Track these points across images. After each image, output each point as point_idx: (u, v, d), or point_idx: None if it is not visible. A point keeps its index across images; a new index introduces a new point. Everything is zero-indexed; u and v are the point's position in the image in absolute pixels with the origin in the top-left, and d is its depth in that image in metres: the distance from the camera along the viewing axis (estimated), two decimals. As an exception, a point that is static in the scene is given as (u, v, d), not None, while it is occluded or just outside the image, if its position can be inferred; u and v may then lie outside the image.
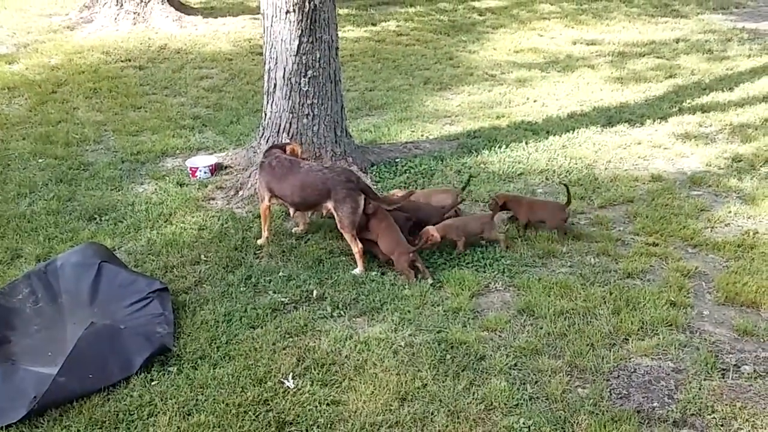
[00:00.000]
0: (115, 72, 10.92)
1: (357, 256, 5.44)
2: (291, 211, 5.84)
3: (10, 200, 6.81)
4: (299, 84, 6.62)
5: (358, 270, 5.45)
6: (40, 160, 7.78)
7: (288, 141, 6.44)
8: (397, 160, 7.37)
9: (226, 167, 7.34)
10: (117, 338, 4.46)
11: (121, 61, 11.48)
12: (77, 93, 10.01)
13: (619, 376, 4.38)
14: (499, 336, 4.80)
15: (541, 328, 4.84)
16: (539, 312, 4.99)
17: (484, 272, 5.53)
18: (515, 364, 4.48)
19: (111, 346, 4.39)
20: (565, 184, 6.24)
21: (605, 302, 5.10)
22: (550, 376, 4.36)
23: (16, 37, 12.92)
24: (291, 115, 6.67)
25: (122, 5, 13.40)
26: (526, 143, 7.92)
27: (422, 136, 8.28)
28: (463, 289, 5.25)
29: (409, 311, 5.01)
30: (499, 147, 7.80)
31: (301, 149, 6.05)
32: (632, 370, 4.44)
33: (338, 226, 5.46)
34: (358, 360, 4.50)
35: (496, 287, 5.38)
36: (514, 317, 4.99)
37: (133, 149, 7.99)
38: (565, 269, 5.59)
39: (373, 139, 8.04)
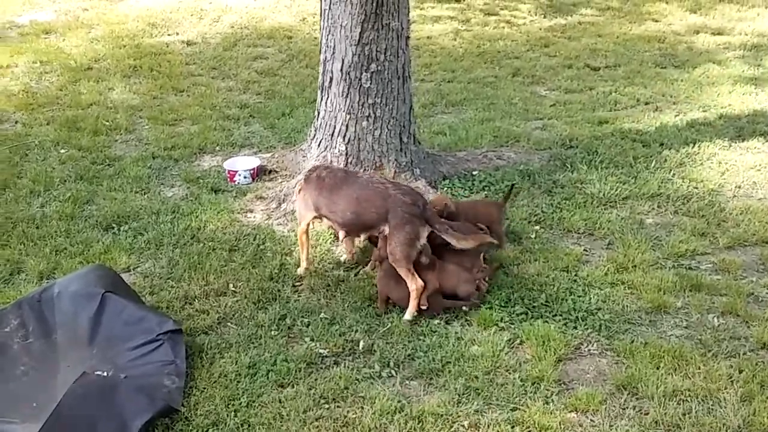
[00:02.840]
0: (159, 47, 10.66)
1: (413, 295, 4.87)
2: (340, 234, 5.30)
3: (21, 199, 6.54)
4: (360, 79, 6.11)
5: (409, 315, 4.91)
6: (62, 151, 7.53)
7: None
8: (474, 173, 6.81)
9: (269, 171, 6.94)
10: (113, 395, 4.04)
11: (168, 35, 11.25)
12: (114, 71, 9.79)
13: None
14: (591, 421, 4.16)
15: (647, 414, 4.18)
16: (644, 390, 4.32)
17: (575, 328, 4.88)
18: (611, 465, 3.84)
19: (105, 405, 3.98)
20: (512, 184, 6.08)
21: (732, 383, 4.38)
22: (656, 486, 3.70)
23: (58, 3, 12.84)
24: (348, 116, 6.18)
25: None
26: (634, 159, 7.19)
27: (507, 142, 7.66)
28: (547, 351, 4.63)
29: (476, 377, 4.44)
30: (600, 162, 7.12)
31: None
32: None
33: (389, 258, 4.92)
34: (407, 443, 3.94)
35: (589, 350, 4.73)
36: (612, 395, 4.34)
37: (167, 142, 7.66)
38: (680, 331, 4.89)
39: (447, 145, 7.47)
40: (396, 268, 4.92)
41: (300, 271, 5.38)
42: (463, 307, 5.00)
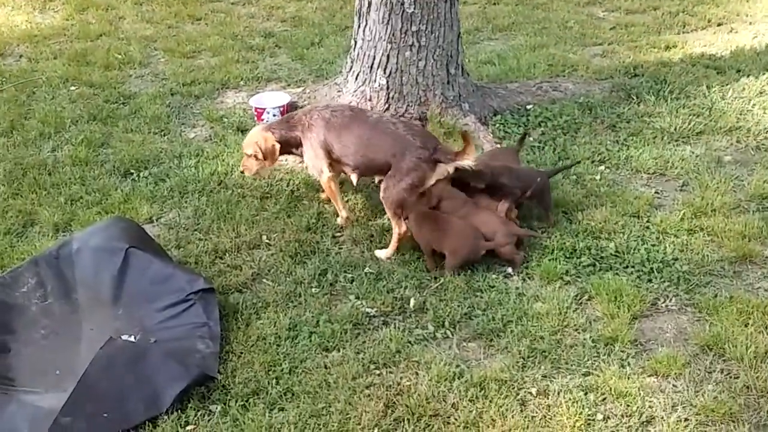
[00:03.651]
0: (174, -32, 10.36)
1: (394, 238, 4.94)
2: (353, 178, 5.15)
3: (30, 142, 6.40)
4: (402, 3, 5.87)
5: (383, 253, 4.95)
6: (72, 88, 7.38)
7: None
8: (528, 107, 6.61)
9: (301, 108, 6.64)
10: (143, 362, 3.92)
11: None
12: (125, -3, 9.56)
13: None
14: (674, 386, 3.99)
15: (736, 378, 4.00)
16: (732, 351, 4.14)
17: (650, 282, 4.69)
18: (698, 436, 3.69)
19: (135, 373, 3.86)
20: (525, 133, 5.79)
21: (833, 342, 4.17)
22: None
23: None
24: (390, 46, 5.96)
25: None
26: (708, 88, 6.91)
27: (563, 72, 7.42)
28: (619, 308, 4.45)
29: (542, 338, 4.27)
30: (669, 92, 6.88)
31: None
32: None
33: (381, 196, 4.92)
34: (470, 413, 3.79)
35: (667, 306, 4.54)
36: (696, 357, 4.16)
37: (186, 77, 7.47)
38: (769, 284, 4.67)
39: (496, 76, 7.24)
40: (385, 206, 4.91)
41: (340, 221, 5.21)
42: (509, 270, 4.81)
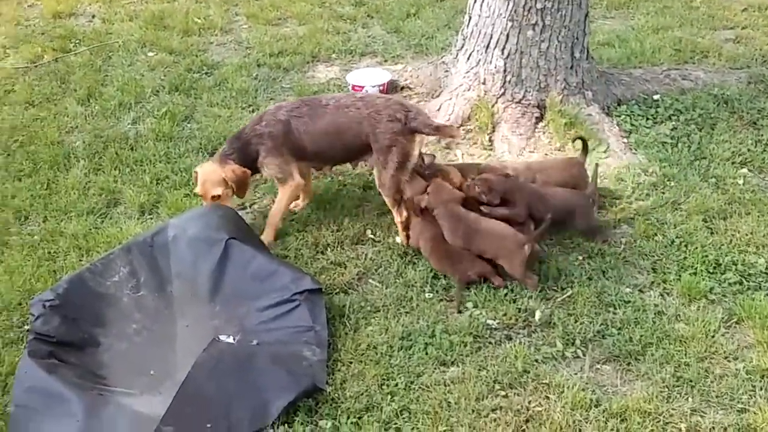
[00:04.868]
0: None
1: (399, 228, 4.93)
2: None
3: (109, 113, 6.38)
4: (527, -24, 5.68)
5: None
6: (150, 54, 7.36)
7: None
8: (655, 97, 6.36)
9: (402, 88, 6.60)
10: (249, 367, 3.85)
11: None
12: (202, -45, 9.45)
13: None
14: None
15: None
16: None
17: (809, 302, 4.44)
18: None
19: (240, 380, 3.78)
20: (581, 138, 5.26)
21: None
22: None
23: None
24: (510, 24, 5.73)
25: None
26: None
27: (692, 58, 7.16)
28: (775, 334, 4.21)
29: (688, 365, 4.07)
30: (820, 85, 6.54)
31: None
32: None
33: (377, 184, 4.88)
34: (610, 449, 3.63)
35: (833, 335, 4.28)
36: None
37: (272, 47, 7.39)
38: None
39: (618, 60, 7.00)
40: (383, 197, 4.87)
41: (265, 238, 4.97)
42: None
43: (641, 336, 4.23)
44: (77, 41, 7.58)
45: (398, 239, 4.95)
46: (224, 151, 4.91)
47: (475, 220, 4.66)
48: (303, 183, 5.02)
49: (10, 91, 6.75)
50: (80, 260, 4.75)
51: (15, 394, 3.75)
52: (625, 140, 5.82)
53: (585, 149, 5.24)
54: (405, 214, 4.88)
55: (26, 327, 4.25)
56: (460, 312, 4.41)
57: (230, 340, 4.09)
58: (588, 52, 6.07)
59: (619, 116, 6.07)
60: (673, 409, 3.84)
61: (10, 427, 3.67)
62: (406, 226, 4.90)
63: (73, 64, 7.14)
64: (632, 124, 6.01)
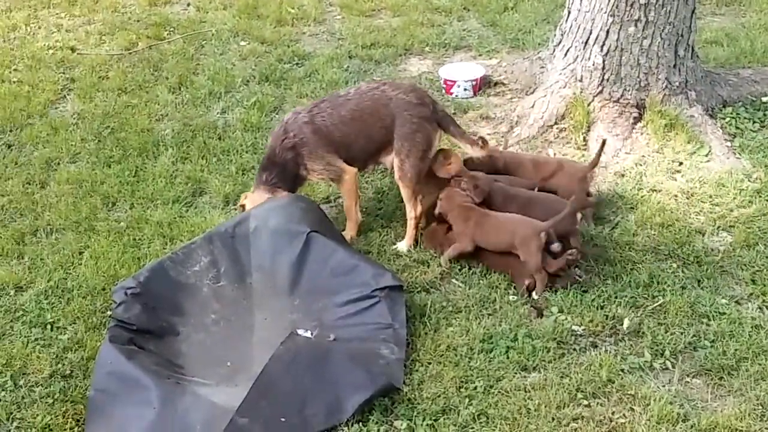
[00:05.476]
0: None
1: (410, 224, 4.92)
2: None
3: (199, 101, 6.55)
4: (629, -31, 5.62)
5: (404, 245, 4.92)
6: (242, 43, 7.53)
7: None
8: (764, 99, 6.24)
9: (495, 84, 6.60)
10: (325, 363, 3.92)
11: None
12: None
13: None
14: None
15: None
16: None
17: None
18: None
19: (316, 375, 3.85)
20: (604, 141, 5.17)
21: None
22: None
23: None
24: (611, 19, 5.69)
25: None
26: None
27: (807, 58, 6.89)
28: None
29: (786, 383, 3.97)
30: None
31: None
32: None
33: (396, 175, 4.88)
34: (698, 467, 3.58)
35: None
36: None
37: (365, 38, 7.46)
38: None
39: (725, 59, 6.88)
40: (401, 187, 4.86)
41: (348, 233, 5.00)
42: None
43: (736, 350, 4.17)
44: (171, 29, 7.79)
45: (401, 246, 4.91)
46: (266, 179, 4.87)
47: (490, 214, 4.70)
48: (356, 170, 4.96)
49: (104, 78, 6.98)
50: (164, 248, 4.90)
51: (95, 379, 3.89)
52: (729, 144, 5.72)
53: (599, 155, 5.05)
54: (421, 210, 4.90)
55: (108, 313, 4.39)
56: (540, 315, 4.43)
57: (308, 334, 4.17)
58: (693, 50, 5.98)
59: (724, 118, 5.98)
60: (766, 428, 3.76)
61: (89, 410, 3.83)
62: (415, 226, 4.91)
63: (166, 52, 7.35)
64: (737, 127, 5.91)
